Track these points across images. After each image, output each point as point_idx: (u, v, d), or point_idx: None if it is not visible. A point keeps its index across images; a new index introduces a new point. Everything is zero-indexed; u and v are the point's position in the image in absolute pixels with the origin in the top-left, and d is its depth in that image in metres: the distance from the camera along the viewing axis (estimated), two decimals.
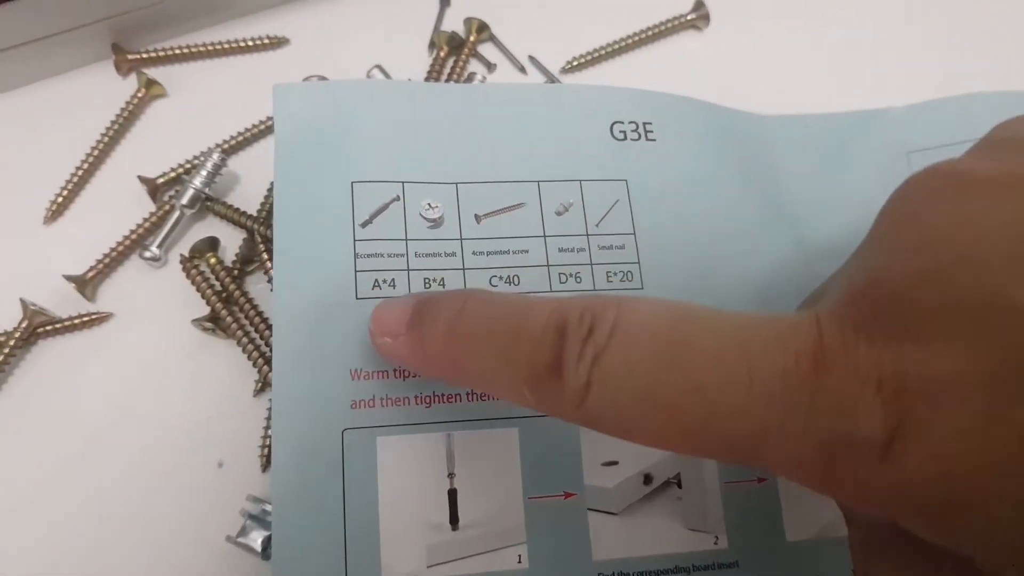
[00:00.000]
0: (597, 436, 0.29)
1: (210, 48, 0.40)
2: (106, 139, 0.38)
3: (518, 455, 0.29)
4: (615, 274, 0.32)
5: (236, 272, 0.35)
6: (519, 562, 0.28)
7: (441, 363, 0.25)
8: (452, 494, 0.29)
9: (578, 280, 0.32)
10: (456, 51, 0.41)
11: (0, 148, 0.38)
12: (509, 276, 0.31)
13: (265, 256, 0.35)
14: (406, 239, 0.31)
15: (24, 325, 0.34)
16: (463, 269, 0.31)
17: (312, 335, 0.29)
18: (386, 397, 0.29)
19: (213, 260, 0.35)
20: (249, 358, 0.34)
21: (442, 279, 0.31)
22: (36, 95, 0.39)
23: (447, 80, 0.40)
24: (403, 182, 0.32)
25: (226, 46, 0.40)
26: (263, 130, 0.39)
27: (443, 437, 0.29)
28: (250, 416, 0.34)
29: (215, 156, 0.36)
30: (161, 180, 0.37)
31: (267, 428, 0.33)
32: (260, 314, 0.34)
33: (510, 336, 0.22)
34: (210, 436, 0.34)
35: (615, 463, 0.30)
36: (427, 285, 0.31)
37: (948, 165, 0.20)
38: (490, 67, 0.41)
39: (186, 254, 0.35)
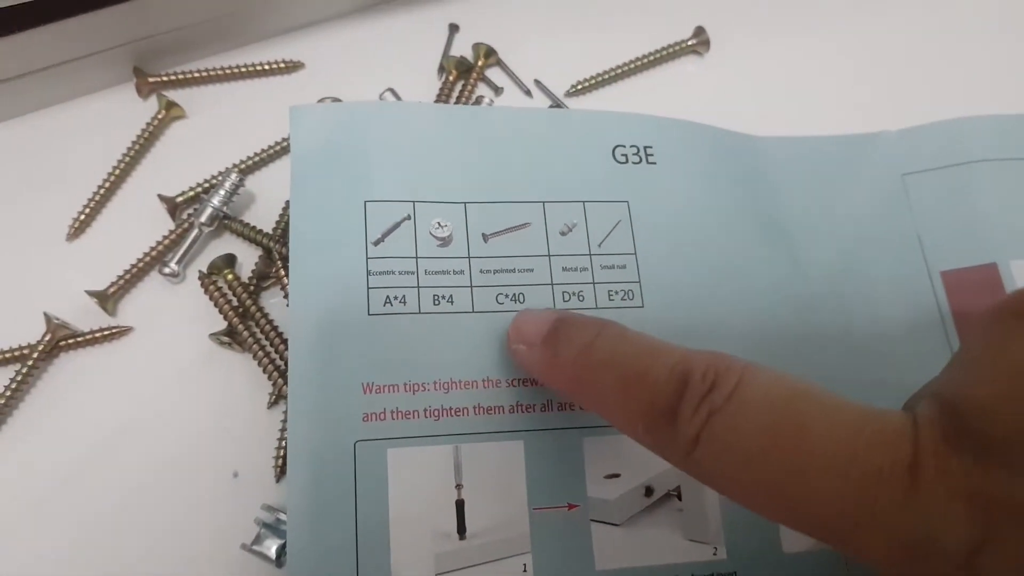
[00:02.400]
0: (599, 449, 0.30)
1: (228, 71, 0.42)
2: (127, 159, 0.39)
3: (523, 467, 0.31)
4: (616, 293, 0.33)
5: (252, 288, 0.37)
6: (524, 571, 0.29)
7: (568, 382, 0.27)
8: (460, 504, 0.30)
9: (580, 299, 0.33)
10: (465, 75, 0.42)
11: (26, 166, 0.39)
12: (515, 294, 0.32)
13: (281, 272, 0.36)
14: (416, 257, 0.32)
15: (47, 338, 0.35)
16: (471, 287, 0.32)
17: (326, 349, 0.31)
18: (396, 410, 0.30)
19: (230, 276, 0.36)
20: (264, 371, 0.35)
21: (451, 296, 0.32)
22: (60, 116, 0.41)
23: (456, 103, 0.42)
24: (414, 201, 0.33)
25: (243, 70, 0.42)
26: (279, 151, 0.40)
27: (451, 449, 0.30)
28: (264, 428, 0.35)
29: (233, 176, 0.38)
30: (180, 199, 0.38)
31: (281, 439, 0.34)
32: (275, 329, 0.35)
33: (636, 376, 0.24)
34: (225, 447, 0.35)
35: (617, 475, 0.31)
36: (436, 302, 0.32)
37: None
38: (497, 91, 0.43)
39: (204, 270, 0.37)
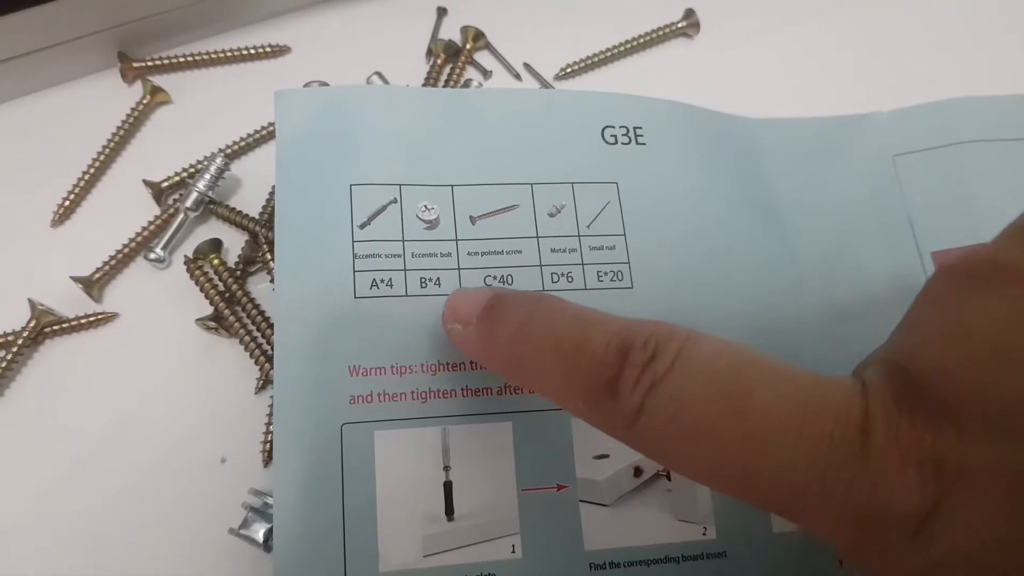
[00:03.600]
0: (588, 430, 0.30)
1: (213, 56, 0.41)
2: (112, 144, 0.39)
3: (512, 449, 0.30)
4: (606, 274, 0.33)
5: (239, 273, 0.36)
6: (512, 552, 0.29)
7: (505, 361, 0.26)
8: (448, 486, 0.30)
9: (570, 280, 0.33)
10: (453, 58, 0.42)
11: (9, 153, 0.39)
12: (503, 276, 0.32)
13: (268, 257, 0.36)
14: (403, 240, 0.32)
15: (32, 324, 0.35)
16: (458, 269, 0.32)
17: (312, 333, 0.30)
18: (383, 393, 0.30)
19: (216, 261, 0.36)
20: (251, 356, 0.35)
21: (438, 279, 0.32)
22: (44, 102, 0.40)
23: (444, 86, 0.41)
24: (400, 185, 0.33)
25: (229, 54, 0.41)
26: (264, 135, 0.40)
27: (439, 431, 0.30)
28: (252, 413, 0.35)
29: (218, 160, 0.37)
30: (165, 184, 0.38)
31: (268, 424, 0.34)
32: (262, 313, 0.35)
33: (574, 349, 0.23)
34: (213, 433, 0.34)
35: (606, 456, 0.31)
36: (423, 285, 0.32)
37: (983, 253, 0.20)
38: (486, 74, 0.42)
39: (190, 255, 0.36)
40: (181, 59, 0.41)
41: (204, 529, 0.33)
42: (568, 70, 0.43)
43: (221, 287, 0.36)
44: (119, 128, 0.39)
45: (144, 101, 0.40)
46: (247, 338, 0.35)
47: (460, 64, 0.42)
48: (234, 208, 0.37)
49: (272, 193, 0.38)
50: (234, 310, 0.35)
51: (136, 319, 0.36)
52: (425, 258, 0.32)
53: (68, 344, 0.36)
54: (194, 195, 0.37)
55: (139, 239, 0.37)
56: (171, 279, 0.37)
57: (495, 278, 0.32)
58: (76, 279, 0.36)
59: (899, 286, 0.36)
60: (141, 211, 0.38)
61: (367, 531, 0.29)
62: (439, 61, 0.42)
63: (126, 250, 0.37)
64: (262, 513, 0.32)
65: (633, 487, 0.31)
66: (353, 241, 0.32)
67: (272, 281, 0.36)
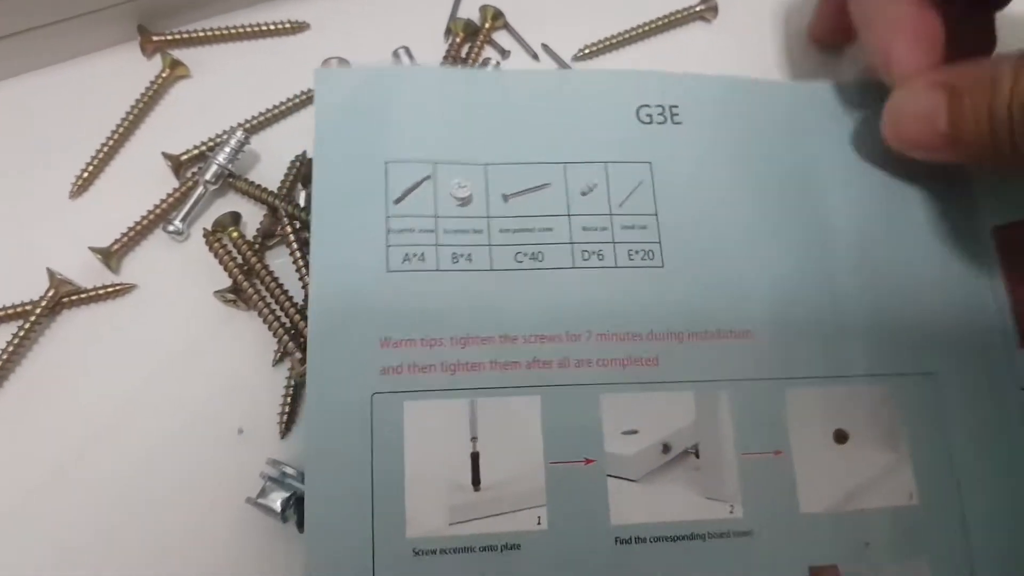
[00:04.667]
0: (617, 405, 0.31)
1: (233, 31, 0.41)
2: (131, 117, 0.39)
3: (540, 422, 0.30)
4: (636, 253, 0.33)
5: (257, 246, 0.36)
6: (538, 524, 0.29)
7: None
8: (475, 457, 0.30)
9: (600, 258, 0.33)
10: (472, 38, 0.42)
11: (28, 124, 0.39)
12: (533, 252, 0.32)
13: (287, 230, 0.36)
14: (436, 216, 0.32)
15: (51, 294, 0.35)
16: (489, 245, 0.32)
17: (345, 304, 0.31)
18: (413, 365, 0.30)
19: (235, 234, 0.36)
20: (269, 328, 0.35)
21: (469, 254, 0.32)
22: (63, 74, 0.40)
23: (463, 65, 0.41)
24: (435, 162, 0.33)
25: (248, 29, 0.41)
26: (283, 111, 0.40)
27: (467, 403, 0.30)
28: (269, 384, 0.35)
29: (238, 134, 0.37)
30: (185, 157, 0.38)
31: (286, 396, 0.34)
32: (280, 286, 0.35)
33: None
34: (230, 404, 0.34)
35: (635, 432, 0.31)
36: (455, 260, 0.32)
37: None
38: (504, 54, 0.42)
39: (209, 228, 0.36)
40: (200, 34, 0.41)
41: (221, 499, 0.33)
42: (586, 51, 0.43)
43: (240, 260, 0.36)
44: (138, 101, 0.39)
45: (163, 75, 0.40)
46: (265, 310, 0.35)
47: (479, 44, 0.42)
48: (253, 182, 0.37)
49: (291, 167, 0.38)
50: (252, 282, 0.35)
51: (154, 291, 0.36)
52: (457, 234, 0.32)
53: (86, 315, 0.36)
54: (214, 168, 0.37)
55: (158, 211, 0.37)
56: (189, 251, 0.37)
57: (526, 255, 0.32)
58: (94, 250, 0.36)
59: (947, 262, 0.35)
60: (159, 184, 0.38)
61: (395, 499, 0.29)
62: (458, 40, 0.42)
63: (144, 222, 0.37)
64: (279, 482, 0.32)
65: (661, 463, 0.31)
66: (387, 216, 0.32)
67: (292, 254, 0.36)
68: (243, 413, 0.34)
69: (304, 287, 0.35)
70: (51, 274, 0.35)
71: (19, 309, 0.35)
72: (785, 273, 0.34)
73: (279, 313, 0.35)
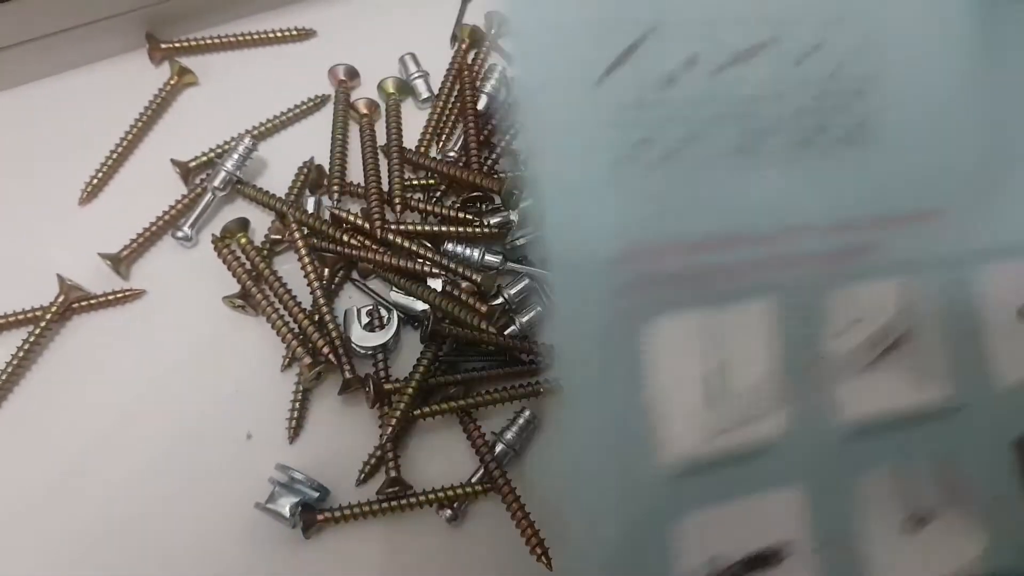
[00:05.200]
0: (846, 297, 0.29)
1: (240, 39, 0.42)
2: (140, 124, 0.39)
3: (773, 325, 0.30)
4: (852, 128, 0.30)
5: (266, 252, 0.36)
6: (780, 427, 0.29)
7: None
8: (717, 368, 0.29)
9: (822, 131, 0.30)
10: (477, 44, 0.42)
11: (37, 131, 0.39)
12: (750, 137, 0.29)
13: (297, 236, 0.36)
14: (649, 91, 0.28)
15: (60, 300, 0.35)
16: (704, 130, 0.29)
17: (578, 215, 0.29)
18: (649, 277, 0.29)
19: (244, 240, 0.36)
20: (278, 334, 0.35)
21: (686, 142, 0.29)
22: (73, 81, 0.41)
23: (468, 73, 0.41)
24: (650, 23, 0.29)
25: (256, 37, 0.42)
26: (291, 117, 0.40)
27: (707, 316, 0.29)
28: (278, 390, 0.35)
29: (246, 140, 0.37)
30: (193, 164, 0.38)
31: (294, 401, 0.34)
32: (289, 292, 0.35)
33: None
34: (239, 409, 0.35)
35: (861, 320, 0.31)
36: (674, 150, 0.29)
37: None
38: (511, 60, 0.43)
39: (217, 234, 0.36)
40: (208, 41, 0.41)
41: (229, 504, 0.33)
42: None
43: (248, 266, 0.36)
44: (146, 108, 0.40)
45: (171, 82, 0.40)
46: (274, 316, 0.35)
47: (485, 49, 0.42)
48: (261, 188, 0.38)
49: (299, 173, 0.38)
50: (261, 288, 0.35)
51: (163, 296, 0.37)
52: (670, 120, 0.29)
53: (95, 321, 0.36)
54: (222, 174, 0.37)
55: (166, 218, 0.37)
56: (198, 258, 0.37)
57: (744, 138, 0.29)
58: (104, 256, 0.36)
59: None
60: (168, 190, 0.38)
61: (641, 413, 0.28)
62: (464, 46, 0.42)
63: (153, 228, 0.37)
64: (288, 488, 0.32)
65: (881, 351, 0.30)
66: (601, 92, 0.28)
67: (300, 261, 0.36)
68: (252, 418, 0.35)
69: (312, 293, 0.35)
70: (61, 280, 0.35)
71: (29, 315, 0.35)
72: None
73: (288, 319, 0.35)
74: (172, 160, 0.38)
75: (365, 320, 0.35)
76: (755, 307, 0.30)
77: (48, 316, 0.35)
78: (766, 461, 0.29)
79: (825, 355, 0.30)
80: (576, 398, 0.28)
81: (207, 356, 0.35)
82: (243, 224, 0.37)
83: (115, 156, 0.39)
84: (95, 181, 0.38)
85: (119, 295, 0.36)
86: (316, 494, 0.32)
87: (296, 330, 0.35)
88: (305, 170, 0.38)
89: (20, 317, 0.35)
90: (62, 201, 0.38)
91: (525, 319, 0.36)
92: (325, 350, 0.34)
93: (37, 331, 0.35)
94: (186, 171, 0.38)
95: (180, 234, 0.37)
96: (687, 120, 0.29)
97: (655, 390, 0.28)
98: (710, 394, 0.29)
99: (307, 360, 0.34)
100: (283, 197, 0.38)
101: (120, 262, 0.36)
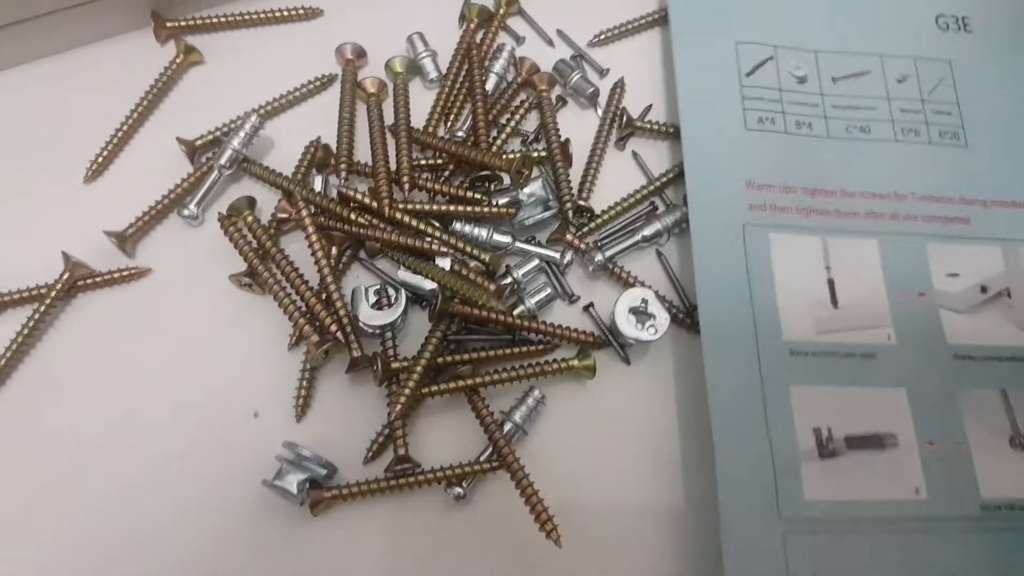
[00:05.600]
0: (942, 253, 0.37)
1: (246, 17, 0.41)
2: (145, 102, 0.39)
3: (879, 261, 0.37)
4: (945, 133, 0.39)
5: (272, 231, 0.36)
6: (888, 339, 0.35)
7: None
8: (830, 282, 0.36)
9: (916, 134, 0.39)
10: (486, 23, 0.42)
11: (41, 109, 0.39)
12: (861, 126, 0.39)
13: (304, 215, 0.35)
14: (780, 89, 0.39)
15: (65, 277, 0.35)
16: (824, 117, 0.39)
17: (715, 153, 0.37)
18: (774, 205, 0.37)
19: (250, 218, 0.36)
20: (285, 312, 0.34)
21: (809, 123, 0.39)
22: (77, 60, 0.40)
23: (476, 52, 0.41)
24: (775, 46, 0.40)
25: (261, 15, 0.41)
26: (297, 97, 0.40)
27: (819, 240, 0.36)
28: (285, 368, 0.35)
29: (253, 119, 0.37)
30: (199, 142, 0.38)
31: (302, 379, 0.34)
32: (296, 270, 0.35)
33: None
34: (246, 387, 0.34)
35: (957, 275, 0.37)
36: (798, 126, 0.38)
37: None
38: (519, 40, 0.42)
39: (224, 213, 0.36)
40: (214, 20, 0.41)
41: (236, 481, 0.33)
42: (601, 37, 0.43)
43: (255, 244, 0.36)
44: (152, 87, 0.39)
45: (177, 61, 0.40)
46: (281, 294, 0.35)
47: (493, 29, 0.42)
48: (268, 167, 0.37)
49: (306, 152, 0.38)
50: (268, 266, 0.35)
51: (169, 275, 0.36)
52: (798, 106, 0.39)
53: (101, 299, 0.36)
54: (228, 152, 0.37)
55: (172, 196, 0.37)
56: (204, 236, 0.37)
57: (855, 127, 0.39)
58: (109, 233, 0.36)
59: None
60: (172, 169, 0.38)
61: (770, 309, 0.35)
62: (472, 26, 0.42)
63: (159, 207, 0.37)
64: (296, 465, 0.32)
65: (980, 301, 0.37)
66: (741, 86, 0.38)
67: (307, 239, 0.35)
68: (258, 396, 0.34)
69: (320, 271, 0.35)
70: (66, 257, 0.35)
71: (34, 292, 0.35)
72: None
73: (295, 297, 0.35)
74: (178, 138, 0.38)
75: (373, 299, 0.35)
76: (863, 243, 0.37)
77: (53, 293, 0.35)
78: (873, 362, 0.35)
79: (930, 291, 0.36)
80: (716, 283, 0.35)
81: (213, 334, 0.35)
82: (250, 202, 0.36)
83: (120, 135, 0.38)
84: (100, 159, 0.38)
85: (125, 273, 0.36)
86: (324, 471, 0.32)
87: (303, 308, 0.35)
88: (312, 149, 0.38)
89: (25, 294, 0.35)
90: (67, 180, 0.38)
91: (534, 300, 0.36)
92: (333, 328, 0.34)
93: (42, 308, 0.35)
94: (192, 149, 0.38)
95: (186, 212, 0.36)
96: (798, 111, 0.39)
97: (780, 285, 0.35)
98: (820, 301, 0.35)
99: (315, 338, 0.34)
100: (290, 176, 0.37)
101: (126, 240, 0.36)
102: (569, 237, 0.37)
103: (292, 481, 0.31)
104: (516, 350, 0.35)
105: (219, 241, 0.36)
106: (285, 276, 0.35)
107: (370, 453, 0.33)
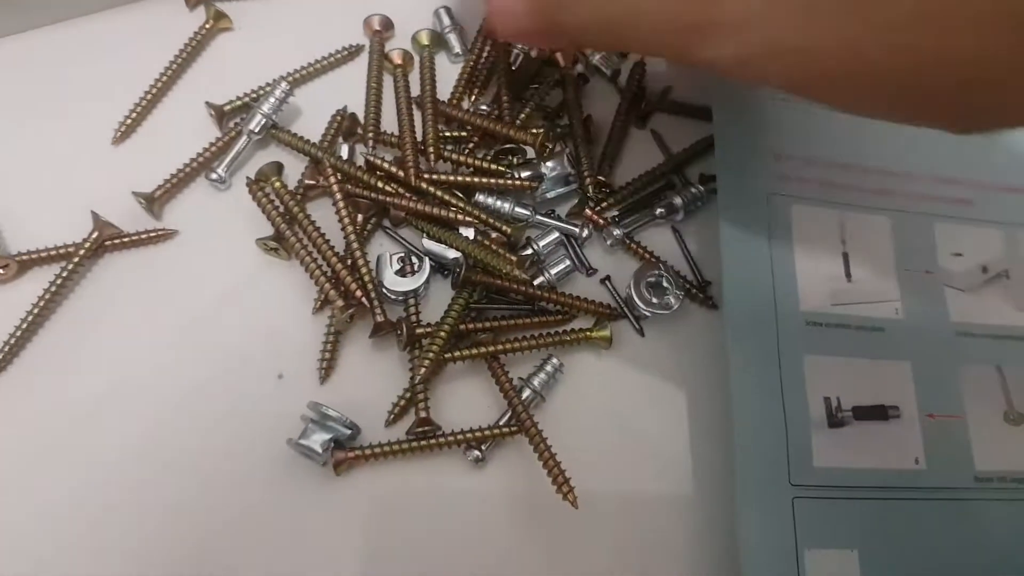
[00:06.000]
0: (947, 232, 0.39)
1: None
2: (174, 66, 0.39)
3: (891, 238, 0.38)
4: None
5: (300, 196, 0.37)
6: (896, 313, 0.37)
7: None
8: (845, 256, 0.37)
9: None
10: None
11: (71, 71, 0.40)
12: None
13: (332, 181, 0.36)
14: None
15: (94, 236, 0.36)
16: None
17: (744, 123, 0.38)
18: (800, 177, 0.38)
19: (277, 183, 0.37)
20: (311, 276, 0.35)
21: None
22: (108, 22, 0.41)
23: None
24: None
25: None
26: (326, 66, 0.40)
27: (837, 213, 0.38)
28: (310, 331, 0.35)
29: (283, 85, 0.38)
30: (228, 107, 0.39)
31: (326, 343, 0.35)
32: (323, 235, 0.36)
33: None
34: (271, 350, 0.35)
35: (960, 255, 0.38)
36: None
37: None
38: None
39: (252, 177, 0.37)
40: None
41: (260, 442, 0.33)
42: None
43: (282, 208, 0.36)
44: (181, 51, 0.40)
45: (207, 26, 0.40)
46: (307, 258, 0.35)
47: None
48: (296, 134, 0.38)
49: (332, 120, 0.39)
50: (295, 231, 0.36)
51: (196, 237, 0.37)
52: None
53: (128, 259, 0.37)
54: (257, 117, 0.37)
55: (200, 160, 0.38)
56: (231, 200, 0.38)
57: None
58: (137, 195, 0.36)
59: None
60: (201, 133, 0.39)
61: (790, 279, 0.36)
62: None
63: (187, 170, 0.37)
64: (321, 425, 0.33)
65: (982, 281, 0.38)
66: None
67: (334, 206, 0.36)
68: (284, 358, 0.35)
69: (346, 237, 0.35)
70: (95, 216, 0.36)
71: (62, 250, 0.36)
72: None
73: (320, 261, 0.35)
74: (207, 103, 0.38)
75: (397, 266, 0.36)
76: (876, 220, 0.38)
77: (81, 252, 0.35)
78: (881, 336, 0.36)
79: (936, 270, 0.38)
80: (740, 253, 0.35)
81: (238, 297, 0.36)
82: (277, 168, 0.37)
83: (149, 97, 0.39)
84: (128, 121, 0.38)
85: (152, 234, 0.36)
86: (348, 431, 0.33)
87: (329, 272, 0.35)
88: (339, 118, 0.39)
89: (53, 252, 0.36)
90: (96, 141, 0.38)
91: (554, 271, 0.36)
92: (358, 293, 0.34)
93: (70, 267, 0.35)
94: (220, 114, 0.38)
95: (214, 176, 0.37)
96: None
97: (799, 256, 0.36)
98: (835, 274, 0.37)
99: (340, 302, 0.34)
100: (317, 143, 0.38)
101: (153, 202, 0.37)
102: (588, 212, 0.38)
103: (317, 440, 0.32)
104: (535, 319, 0.36)
105: (246, 205, 0.37)
106: (312, 241, 0.36)
107: (391, 416, 0.34)
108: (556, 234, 0.37)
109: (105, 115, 0.38)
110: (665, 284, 0.36)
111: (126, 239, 0.36)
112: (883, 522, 0.33)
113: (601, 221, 0.38)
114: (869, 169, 0.39)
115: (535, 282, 0.36)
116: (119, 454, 0.33)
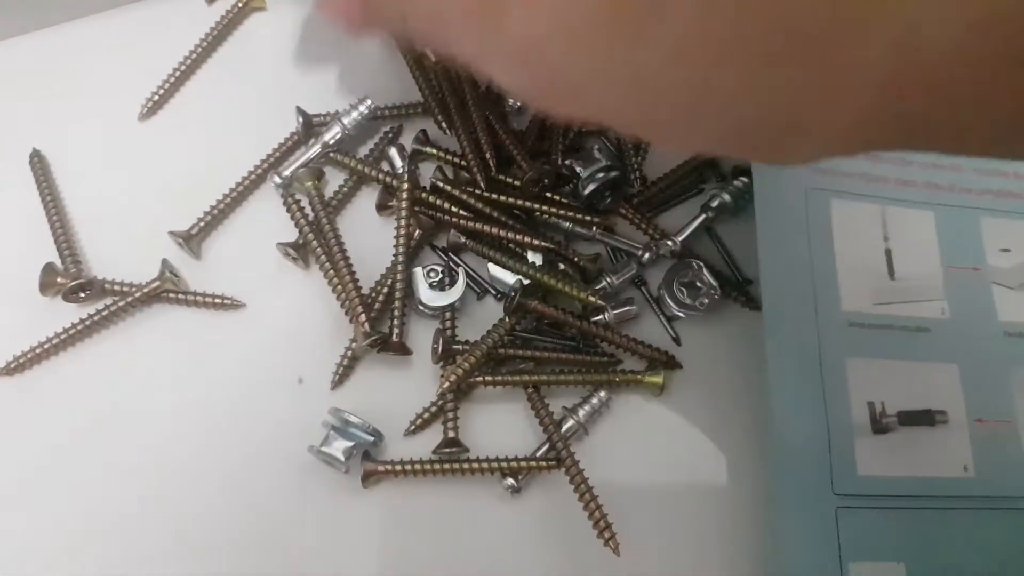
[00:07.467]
0: (995, 228, 0.37)
1: None
2: (204, 45, 0.39)
3: (935, 233, 0.36)
4: None
5: (331, 206, 0.37)
6: (942, 314, 0.35)
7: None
8: (888, 253, 0.36)
9: None
10: None
11: (104, 60, 0.40)
12: None
13: (403, 196, 0.35)
14: None
15: (155, 286, 0.35)
16: None
17: None
18: (839, 171, 0.36)
19: (314, 191, 0.36)
20: (333, 291, 0.35)
21: None
22: (140, 12, 0.41)
23: None
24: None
25: None
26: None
27: (879, 209, 0.36)
28: (330, 336, 0.35)
29: (368, 102, 0.37)
30: (316, 120, 0.38)
31: (347, 348, 0.35)
32: (343, 250, 0.35)
33: None
34: (291, 354, 0.35)
35: (1008, 250, 0.37)
36: None
37: None
38: None
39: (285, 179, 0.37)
40: None
41: (279, 446, 0.33)
42: None
43: (311, 216, 0.36)
44: (212, 29, 0.40)
45: (239, 5, 0.40)
46: (331, 272, 0.35)
47: None
48: (363, 158, 0.38)
49: (383, 136, 0.39)
50: (319, 239, 0.36)
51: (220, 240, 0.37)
52: None
53: None
54: (335, 129, 0.37)
55: (264, 166, 0.38)
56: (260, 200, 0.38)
57: None
58: (174, 234, 0.36)
59: None
60: (226, 113, 0.39)
61: (830, 278, 0.34)
62: None
63: (221, 206, 0.37)
64: (342, 432, 0.32)
65: None
66: None
67: (397, 223, 0.35)
68: (304, 363, 0.35)
69: (395, 255, 0.35)
70: (165, 265, 0.35)
71: (123, 287, 0.35)
72: None
73: (344, 273, 0.35)
74: (298, 108, 0.38)
75: (433, 279, 0.35)
76: (920, 214, 0.36)
77: (136, 294, 0.35)
78: (927, 337, 0.34)
79: (983, 266, 0.36)
80: (779, 251, 0.34)
81: (261, 299, 0.36)
82: (317, 174, 0.37)
83: (177, 75, 0.39)
84: (155, 98, 0.39)
85: (217, 300, 0.36)
86: (371, 439, 0.33)
87: (352, 290, 0.34)
88: (390, 134, 0.39)
89: (117, 288, 0.35)
90: (123, 119, 0.39)
91: (616, 312, 0.36)
92: (362, 318, 0.34)
93: (114, 307, 0.35)
94: (308, 124, 0.38)
95: (278, 180, 0.37)
96: None
97: (839, 253, 0.35)
98: (877, 272, 0.35)
99: (364, 325, 0.34)
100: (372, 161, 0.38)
101: (190, 239, 0.36)
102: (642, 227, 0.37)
103: (339, 448, 0.32)
104: (584, 357, 0.35)
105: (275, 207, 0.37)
106: (329, 257, 0.35)
107: (413, 426, 0.34)
108: (634, 268, 0.36)
109: (134, 93, 0.39)
110: (699, 284, 0.35)
111: (184, 296, 0.36)
112: (931, 533, 0.31)
113: (651, 232, 0.37)
114: (911, 161, 0.37)
115: (594, 319, 0.35)
116: (137, 460, 0.34)
